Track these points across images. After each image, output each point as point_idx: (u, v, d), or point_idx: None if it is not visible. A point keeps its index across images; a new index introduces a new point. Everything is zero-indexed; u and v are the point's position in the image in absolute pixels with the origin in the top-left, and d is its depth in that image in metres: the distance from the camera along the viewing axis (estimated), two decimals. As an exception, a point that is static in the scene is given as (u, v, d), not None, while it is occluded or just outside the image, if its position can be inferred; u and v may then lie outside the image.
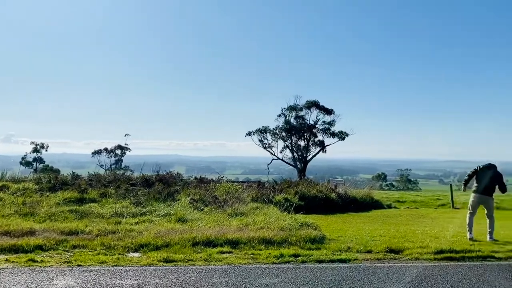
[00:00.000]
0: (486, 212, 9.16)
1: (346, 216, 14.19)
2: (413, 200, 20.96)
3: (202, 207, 10.86)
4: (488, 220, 9.01)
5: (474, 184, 9.33)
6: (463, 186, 9.81)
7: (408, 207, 18.35)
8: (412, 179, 70.43)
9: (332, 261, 6.83)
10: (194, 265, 6.39)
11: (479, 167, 9.31)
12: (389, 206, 18.23)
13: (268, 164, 43.48)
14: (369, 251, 7.53)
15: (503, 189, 9.20)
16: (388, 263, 6.82)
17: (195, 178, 15.42)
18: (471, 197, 9.36)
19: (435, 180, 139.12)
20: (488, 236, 8.77)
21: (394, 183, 68.38)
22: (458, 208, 17.55)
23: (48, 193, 11.60)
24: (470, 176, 9.45)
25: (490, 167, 9.20)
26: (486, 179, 9.04)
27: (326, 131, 43.59)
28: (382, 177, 69.43)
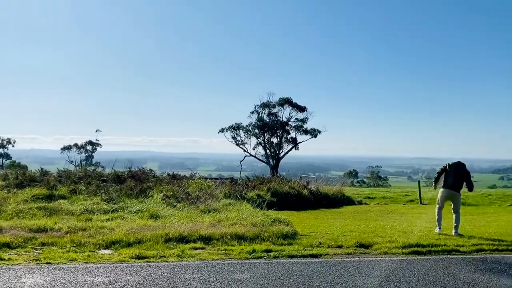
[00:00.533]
0: (452, 207, 9.44)
1: (318, 212, 14.41)
2: (383, 196, 21.49)
3: (175, 204, 10.82)
4: (454, 215, 9.31)
5: (443, 180, 9.63)
6: (433, 184, 10.02)
7: (378, 203, 18.79)
8: (382, 176, 71.90)
9: (303, 256, 6.94)
10: (166, 261, 6.37)
11: (448, 164, 9.61)
12: (360, 202, 18.61)
13: (241, 161, 43.60)
14: (340, 246, 7.68)
15: (471, 187, 9.55)
16: (358, 257, 6.98)
17: (168, 174, 15.31)
18: (439, 192, 9.63)
19: (404, 176, 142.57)
20: (453, 231, 9.08)
21: (365, 180, 69.67)
22: (425, 204, 18.09)
23: (15, 190, 11.32)
24: (439, 174, 9.74)
25: (460, 165, 9.51)
26: (456, 175, 9.36)
27: (298, 128, 44.00)
28: (353, 174, 70.63)
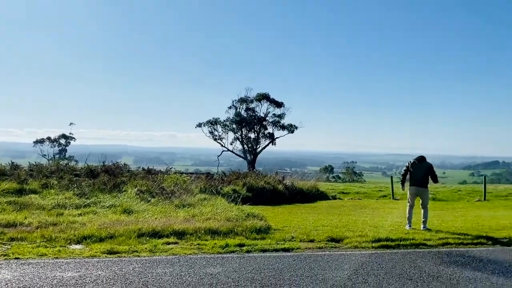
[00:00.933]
0: (421, 202, 9.66)
1: (292, 207, 14.57)
2: (356, 192, 21.83)
3: (149, 199, 10.77)
4: (422, 211, 9.56)
5: (409, 178, 9.80)
6: (401, 185, 10.07)
7: (351, 198, 19.10)
8: (357, 172, 72.93)
9: (276, 250, 7.05)
10: (138, 256, 6.37)
11: (410, 163, 9.72)
12: (334, 197, 18.88)
13: (218, 156, 43.46)
14: (312, 240, 7.82)
15: (435, 179, 9.77)
16: (329, 251, 7.13)
17: (143, 169, 15.20)
18: (408, 190, 9.79)
19: (379, 172, 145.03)
20: (422, 226, 9.33)
21: (340, 175, 70.56)
22: (397, 199, 18.49)
23: (-17, 184, 11.02)
24: (405, 173, 9.82)
25: (421, 159, 9.72)
26: (420, 171, 9.57)
27: (276, 123, 44.11)
28: (329, 169, 71.46)
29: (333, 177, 67.37)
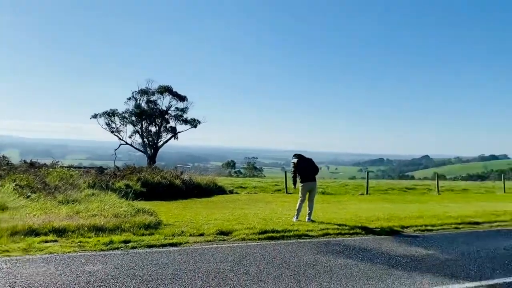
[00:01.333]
0: (310, 196, 10.22)
1: (188, 202, 14.51)
2: (254, 186, 22.41)
3: (29, 194, 9.94)
4: (309, 203, 10.12)
5: (299, 175, 10.23)
6: (293, 184, 10.36)
7: (248, 193, 19.58)
8: (258, 167, 74.80)
9: (163, 245, 6.97)
10: (9, 256, 5.86)
11: (294, 163, 10.11)
12: (232, 192, 19.21)
13: (116, 150, 41.52)
14: (202, 234, 7.89)
15: (317, 170, 10.36)
16: (217, 244, 7.25)
17: (25, 162, 13.97)
18: (301, 186, 10.16)
19: (278, 168, 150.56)
20: (307, 217, 9.89)
21: (242, 170, 71.84)
22: (290, 193, 19.39)
23: None
24: (295, 170, 10.16)
25: (303, 156, 10.30)
26: (308, 167, 10.14)
27: (178, 117, 43.39)
28: (231, 164, 72.34)
29: (235, 172, 68.39)
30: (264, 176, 61.20)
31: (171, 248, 6.81)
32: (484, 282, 5.49)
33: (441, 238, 8.55)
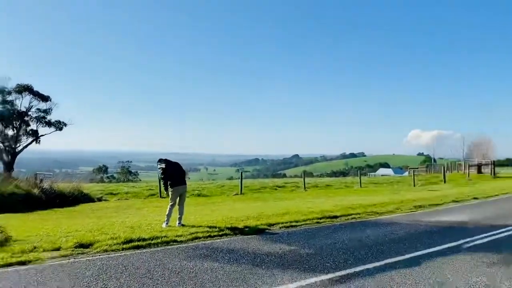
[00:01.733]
0: (179, 200, 10.02)
1: (48, 213, 13.24)
2: (126, 192, 21.39)
3: None
4: (179, 208, 9.90)
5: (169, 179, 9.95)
6: (166, 190, 9.97)
7: (119, 199, 18.62)
8: (133, 171, 72.00)
9: (9, 265, 6.15)
10: None
11: (164, 167, 9.85)
12: (100, 199, 18.06)
13: (-38, 156, 36.08)
14: (58, 249, 7.18)
15: (184, 173, 10.20)
16: (74, 258, 6.63)
17: None
18: (171, 191, 9.84)
19: (154, 171, 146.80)
20: (177, 222, 9.66)
21: (115, 175, 68.40)
22: (164, 198, 18.92)
23: None
24: (166, 175, 9.84)
25: (168, 160, 10.07)
26: (175, 170, 9.92)
27: (40, 119, 39.44)
28: (103, 169, 68.44)
29: (108, 177, 64.85)
30: (140, 180, 59.10)
31: (18, 267, 6.03)
32: (337, 273, 5.91)
33: (304, 233, 9.07)
